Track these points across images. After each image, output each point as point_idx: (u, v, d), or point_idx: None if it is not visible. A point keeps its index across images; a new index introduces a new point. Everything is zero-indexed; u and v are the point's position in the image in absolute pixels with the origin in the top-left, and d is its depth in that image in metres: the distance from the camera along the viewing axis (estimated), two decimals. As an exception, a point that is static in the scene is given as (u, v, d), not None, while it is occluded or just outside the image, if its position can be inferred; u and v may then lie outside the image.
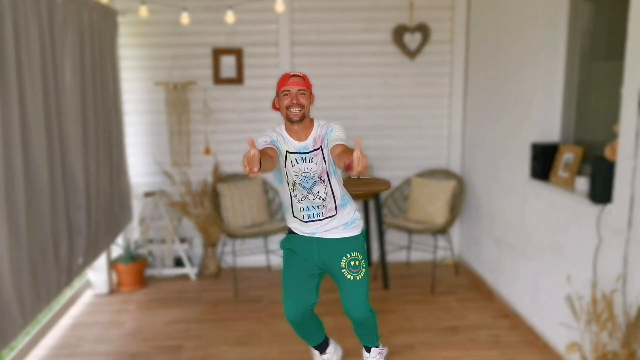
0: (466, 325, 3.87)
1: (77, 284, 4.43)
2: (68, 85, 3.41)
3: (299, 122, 2.47)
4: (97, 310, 4.21)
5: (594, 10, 3.33)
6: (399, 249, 5.14)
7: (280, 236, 4.97)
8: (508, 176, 4.05)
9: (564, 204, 3.26)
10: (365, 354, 3.03)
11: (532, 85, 3.63)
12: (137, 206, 4.91)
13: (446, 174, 4.97)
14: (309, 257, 2.66)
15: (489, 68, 4.41)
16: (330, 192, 2.58)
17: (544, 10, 3.49)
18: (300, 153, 2.49)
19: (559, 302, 3.25)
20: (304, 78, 2.50)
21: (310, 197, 2.54)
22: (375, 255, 5.17)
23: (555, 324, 3.32)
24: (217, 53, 4.81)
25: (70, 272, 3.44)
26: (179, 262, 4.94)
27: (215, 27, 4.75)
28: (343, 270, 2.62)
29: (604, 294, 2.55)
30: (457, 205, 4.66)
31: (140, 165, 4.94)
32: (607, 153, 2.81)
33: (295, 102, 2.44)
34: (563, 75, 3.54)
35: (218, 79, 4.85)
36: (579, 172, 3.29)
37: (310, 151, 2.50)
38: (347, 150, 2.41)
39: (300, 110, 2.45)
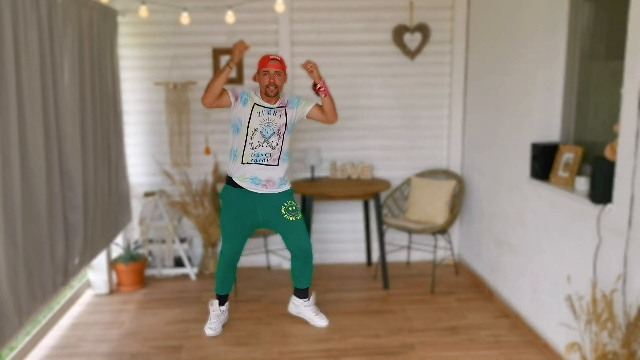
0: (466, 325, 3.87)
1: (77, 284, 4.43)
2: (67, 85, 3.41)
3: (273, 97, 3.20)
4: (97, 310, 4.21)
5: (594, 10, 3.33)
6: (399, 249, 5.14)
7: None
8: (508, 176, 4.05)
9: (564, 204, 3.26)
10: (299, 302, 3.65)
11: (532, 85, 3.63)
12: (137, 206, 4.91)
13: (446, 174, 4.97)
14: (252, 215, 3.32)
15: (489, 68, 4.41)
16: (279, 145, 3.21)
17: (544, 10, 3.49)
18: (266, 107, 3.20)
19: (559, 302, 3.25)
20: (281, 61, 3.21)
21: (265, 144, 3.19)
22: (375, 255, 5.18)
23: (555, 324, 3.32)
24: (217, 53, 4.81)
25: (66, 272, 3.44)
26: (179, 262, 4.94)
27: (215, 27, 4.75)
28: (285, 215, 3.29)
29: (604, 294, 2.55)
30: (457, 205, 4.66)
31: (140, 165, 4.94)
32: (607, 153, 2.81)
33: (272, 81, 3.13)
34: (563, 75, 3.54)
35: (218, 79, 4.85)
36: (579, 172, 3.29)
37: (275, 107, 3.21)
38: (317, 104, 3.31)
39: (275, 89, 3.16)
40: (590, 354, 2.58)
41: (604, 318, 2.48)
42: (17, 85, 2.77)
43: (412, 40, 4.86)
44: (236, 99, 3.25)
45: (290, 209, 3.34)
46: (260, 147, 3.22)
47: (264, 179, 3.27)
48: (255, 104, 3.21)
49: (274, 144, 3.23)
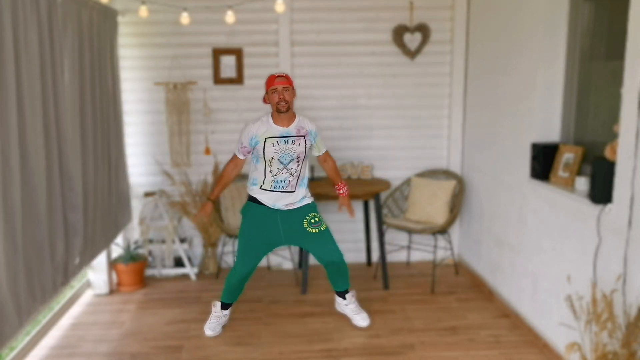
0: (466, 325, 3.87)
1: (77, 284, 4.43)
2: (67, 85, 3.41)
3: (285, 112, 3.22)
4: (97, 310, 4.21)
5: (594, 10, 3.33)
6: (399, 249, 5.14)
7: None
8: (508, 176, 4.05)
9: (564, 204, 3.26)
10: (341, 301, 3.67)
11: (532, 85, 3.63)
12: (137, 206, 4.91)
13: (446, 174, 4.97)
14: (274, 232, 3.35)
15: (489, 68, 4.41)
16: (298, 172, 3.28)
17: (544, 11, 3.49)
18: (283, 137, 3.23)
19: (559, 302, 3.25)
20: (286, 77, 3.26)
21: (284, 171, 3.25)
22: (375, 255, 5.18)
23: (555, 324, 3.32)
24: (217, 53, 4.81)
25: (66, 272, 3.44)
26: (179, 262, 4.94)
27: (215, 27, 4.75)
28: (307, 228, 3.32)
29: (604, 294, 2.55)
30: (457, 205, 4.66)
31: (140, 165, 4.94)
32: (607, 153, 2.81)
33: (282, 97, 3.19)
34: (563, 75, 3.54)
35: (218, 79, 4.85)
36: (579, 172, 3.29)
37: (293, 136, 3.25)
38: (335, 175, 3.62)
39: (286, 104, 3.20)
40: (590, 354, 2.58)
41: (604, 318, 2.48)
42: (17, 86, 2.77)
43: (412, 40, 4.86)
44: (248, 152, 3.37)
45: (312, 221, 3.36)
46: (280, 173, 3.28)
47: (283, 202, 3.35)
48: (266, 138, 3.25)
49: (292, 171, 3.28)
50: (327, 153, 3.57)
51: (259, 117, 3.41)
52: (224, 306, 3.65)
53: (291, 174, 3.29)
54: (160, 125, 4.88)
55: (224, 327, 3.77)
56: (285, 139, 3.25)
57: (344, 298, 3.67)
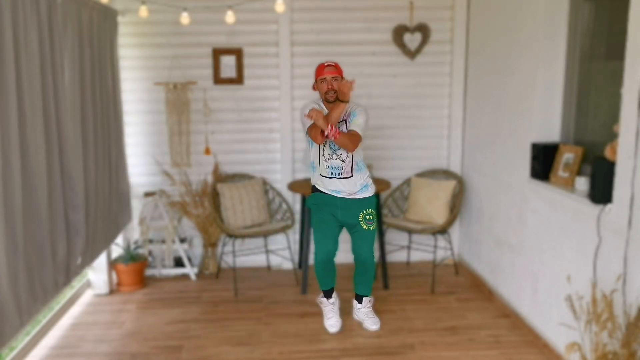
0: (466, 325, 3.87)
1: (77, 284, 4.43)
2: (67, 85, 3.41)
3: (333, 102, 3.22)
4: (97, 310, 4.21)
5: (594, 10, 3.33)
6: (399, 249, 5.14)
7: (281, 237, 4.98)
8: (508, 176, 4.05)
9: (564, 204, 3.26)
10: (357, 305, 3.69)
11: (532, 85, 3.63)
12: (137, 206, 4.91)
13: (446, 174, 4.97)
14: (334, 213, 3.40)
15: (489, 68, 4.41)
16: (349, 158, 3.28)
17: (544, 10, 3.49)
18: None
19: (559, 302, 3.25)
20: (336, 67, 3.26)
21: (334, 157, 3.28)
22: (375, 255, 5.16)
23: (555, 324, 3.32)
24: (217, 53, 4.81)
25: (68, 272, 3.44)
26: (179, 262, 4.94)
27: (215, 27, 4.75)
28: (361, 222, 3.38)
29: (604, 294, 2.55)
30: (457, 205, 4.66)
31: (140, 165, 4.94)
32: (607, 153, 2.81)
33: (330, 87, 3.21)
34: (563, 75, 3.54)
35: (218, 79, 4.85)
36: (579, 172, 3.29)
37: (340, 121, 3.25)
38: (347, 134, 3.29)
39: (335, 93, 3.21)
40: (590, 354, 2.58)
41: (604, 318, 2.48)
42: (18, 86, 2.77)
43: (412, 40, 4.86)
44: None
45: (367, 217, 3.41)
46: (332, 159, 3.31)
47: (343, 189, 3.36)
48: None
49: (343, 157, 3.30)
50: (356, 133, 3.28)
51: (308, 102, 3.42)
52: (327, 294, 3.67)
53: (342, 160, 3.31)
54: (160, 125, 4.88)
55: (340, 315, 3.75)
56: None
57: (360, 302, 3.68)
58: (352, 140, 3.20)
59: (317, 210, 3.48)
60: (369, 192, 3.43)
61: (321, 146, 3.30)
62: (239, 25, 4.67)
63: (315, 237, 3.50)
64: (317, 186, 3.44)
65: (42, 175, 3.04)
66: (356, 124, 3.29)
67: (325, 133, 3.17)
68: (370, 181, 3.46)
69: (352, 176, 3.35)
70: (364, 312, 3.73)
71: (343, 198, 3.38)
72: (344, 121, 3.31)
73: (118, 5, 4.54)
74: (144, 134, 4.92)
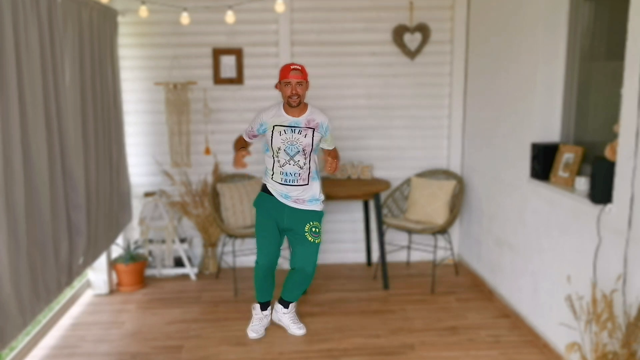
0: (466, 325, 3.87)
1: (77, 284, 4.43)
2: (68, 85, 3.41)
3: (296, 106, 3.18)
4: (97, 310, 4.21)
5: (594, 10, 3.33)
6: (399, 249, 5.14)
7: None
8: (508, 176, 4.05)
9: (564, 204, 3.26)
10: (282, 309, 3.63)
11: (532, 85, 3.63)
12: (137, 206, 4.91)
13: (446, 174, 4.97)
14: (279, 220, 3.33)
15: (489, 68, 4.41)
16: (307, 165, 3.23)
17: (544, 10, 3.49)
18: (289, 127, 3.18)
19: (559, 302, 3.25)
20: (302, 71, 3.17)
21: (291, 162, 3.20)
22: (375, 255, 5.18)
23: (555, 324, 3.32)
24: (217, 53, 4.81)
25: (70, 272, 3.44)
26: (179, 262, 4.94)
27: (215, 27, 4.76)
28: (306, 234, 3.31)
29: (604, 294, 2.55)
30: (457, 205, 4.66)
31: (140, 165, 4.94)
32: (607, 153, 2.81)
33: (294, 92, 3.12)
34: (563, 75, 3.54)
35: (218, 79, 4.85)
36: (579, 172, 3.29)
37: (301, 127, 3.19)
38: (327, 152, 3.34)
39: (297, 99, 3.15)
40: (590, 354, 2.58)
41: (604, 318, 2.48)
42: (19, 86, 2.77)
43: (412, 40, 4.86)
44: (254, 136, 3.36)
45: (313, 229, 3.34)
46: (287, 165, 3.23)
47: (293, 196, 3.30)
48: (275, 125, 3.21)
49: (300, 163, 3.23)
50: (335, 150, 3.45)
51: (272, 104, 3.37)
52: (262, 306, 3.61)
53: (300, 167, 3.24)
54: (160, 125, 4.88)
55: (266, 329, 3.69)
56: (293, 128, 3.20)
57: (287, 307, 3.60)
58: (337, 154, 3.40)
59: (262, 214, 3.39)
60: (319, 206, 3.36)
61: (275, 151, 3.22)
62: (239, 25, 4.67)
63: (257, 243, 3.40)
64: (267, 186, 3.36)
65: (44, 175, 3.04)
66: (331, 141, 3.37)
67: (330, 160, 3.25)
68: (322, 196, 3.39)
69: (307, 184, 3.29)
70: (289, 317, 3.64)
71: (290, 207, 3.30)
72: (312, 130, 3.24)
73: (118, 5, 4.54)
74: (144, 134, 4.92)
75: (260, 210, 3.41)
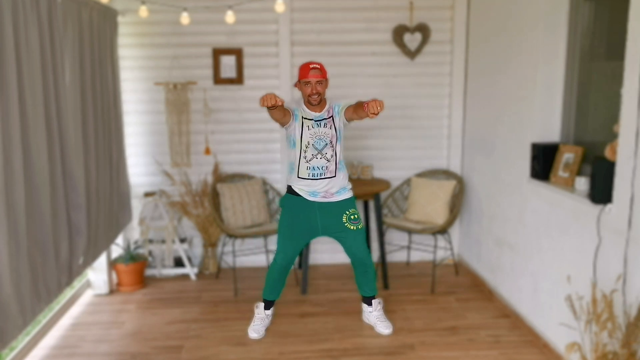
0: (466, 325, 3.87)
1: (77, 284, 4.43)
2: (68, 85, 3.41)
3: (317, 105, 3.14)
4: (97, 310, 4.21)
5: (594, 10, 3.33)
6: (399, 249, 5.14)
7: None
8: (508, 176, 4.05)
9: (564, 204, 3.26)
10: (367, 308, 3.48)
11: (532, 85, 3.63)
12: (137, 206, 4.91)
13: (446, 174, 4.97)
14: (312, 222, 3.23)
15: (489, 68, 4.41)
16: (334, 156, 3.18)
17: (544, 10, 3.49)
18: (315, 120, 3.13)
19: (559, 302, 3.25)
20: (321, 70, 3.15)
21: (319, 156, 3.15)
22: (375, 255, 5.17)
23: (555, 324, 3.32)
24: (217, 53, 4.81)
25: (70, 272, 3.44)
26: (179, 262, 4.94)
27: (215, 27, 4.76)
28: (346, 224, 3.22)
29: (604, 294, 2.55)
30: (457, 205, 4.66)
31: (140, 165, 4.94)
32: (607, 153, 2.81)
33: (315, 91, 3.09)
34: (563, 75, 3.54)
35: (218, 79, 4.85)
36: (579, 172, 3.29)
37: (324, 119, 3.15)
38: (359, 103, 3.01)
39: (318, 97, 3.11)
40: (590, 354, 2.58)
41: (604, 318, 2.48)
42: (19, 86, 2.77)
43: (412, 40, 4.86)
44: (291, 114, 3.21)
45: (352, 217, 3.26)
46: (315, 159, 3.17)
47: (322, 191, 3.22)
48: (303, 117, 3.16)
49: (328, 156, 3.18)
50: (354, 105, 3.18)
51: (295, 100, 3.32)
52: (267, 305, 3.52)
53: (327, 160, 3.19)
54: (160, 125, 4.88)
55: (267, 329, 3.54)
56: (319, 122, 3.17)
57: (370, 304, 3.50)
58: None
59: (290, 214, 3.32)
60: (348, 194, 3.30)
61: (303, 147, 3.16)
62: (239, 25, 4.67)
63: (279, 241, 3.34)
64: (292, 187, 3.29)
65: (44, 175, 3.04)
66: (347, 103, 3.19)
67: (373, 113, 2.88)
68: (349, 184, 3.33)
69: (335, 176, 3.23)
70: (375, 315, 3.54)
71: (320, 202, 3.23)
72: (331, 118, 3.19)
73: (118, 5, 4.54)
74: (144, 134, 4.92)
75: (285, 210, 3.36)
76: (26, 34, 2.84)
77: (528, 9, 3.68)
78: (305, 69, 3.13)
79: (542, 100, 3.58)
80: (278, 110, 2.97)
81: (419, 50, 4.89)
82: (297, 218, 3.28)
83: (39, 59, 2.98)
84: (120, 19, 4.60)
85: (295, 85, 3.22)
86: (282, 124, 3.17)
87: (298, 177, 3.22)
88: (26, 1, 2.83)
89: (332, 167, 3.20)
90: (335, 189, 3.25)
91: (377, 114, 2.78)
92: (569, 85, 3.52)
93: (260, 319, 3.52)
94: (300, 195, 3.25)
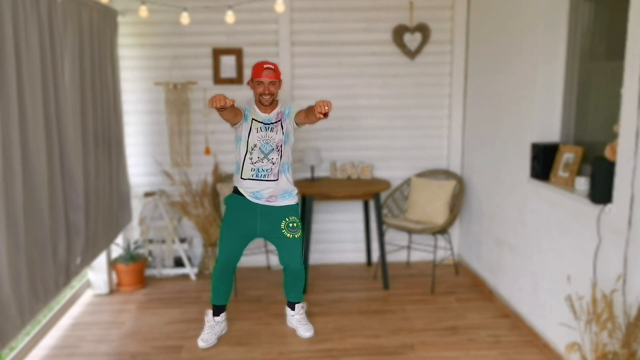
0: (466, 325, 3.87)
1: (77, 284, 4.43)
2: (67, 85, 3.41)
3: (268, 105, 3.10)
4: (97, 310, 4.21)
5: (594, 10, 3.33)
6: (399, 249, 5.14)
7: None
8: (508, 176, 4.05)
9: (564, 204, 3.26)
10: (290, 312, 3.47)
11: (532, 85, 3.63)
12: (137, 206, 4.91)
13: (446, 174, 4.97)
14: (251, 224, 3.21)
15: (489, 68, 4.41)
16: (279, 160, 3.14)
17: (544, 10, 3.49)
18: (264, 123, 3.09)
19: (559, 302, 3.25)
20: (275, 70, 3.09)
21: (265, 160, 3.12)
22: (375, 255, 5.18)
23: (555, 324, 3.32)
24: (217, 53, 4.81)
25: (68, 272, 3.44)
26: (179, 262, 4.94)
27: (215, 27, 4.76)
28: (283, 231, 3.19)
29: (604, 294, 2.55)
30: (457, 205, 4.66)
31: (140, 165, 4.94)
32: (607, 153, 2.81)
33: (267, 92, 3.04)
34: (563, 75, 3.54)
35: (218, 79, 4.85)
36: (579, 172, 3.29)
37: (272, 123, 3.10)
38: (309, 107, 2.98)
39: (270, 97, 3.05)
40: (590, 354, 2.58)
41: (604, 318, 2.48)
42: (18, 85, 2.77)
43: (412, 40, 4.86)
44: (240, 113, 3.14)
45: (290, 225, 3.21)
46: (260, 162, 3.13)
47: (265, 194, 3.18)
48: (253, 119, 3.11)
49: (274, 160, 3.14)
50: (308, 107, 3.13)
51: (247, 100, 3.26)
52: (215, 311, 3.45)
53: (273, 163, 3.15)
54: (160, 125, 4.88)
55: (220, 338, 3.48)
56: (267, 126, 3.12)
57: (293, 309, 3.48)
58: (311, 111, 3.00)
59: (231, 213, 3.27)
60: (292, 200, 3.24)
61: (249, 148, 3.11)
62: (239, 25, 4.67)
63: (220, 240, 3.28)
64: (238, 188, 3.23)
65: (43, 175, 3.04)
66: (299, 107, 3.14)
67: (322, 113, 2.82)
68: (294, 189, 3.27)
69: (277, 179, 3.17)
70: (297, 319, 3.48)
71: (263, 205, 3.19)
72: (279, 122, 3.13)
73: (118, 5, 4.54)
74: (144, 134, 4.92)
75: (228, 210, 3.31)
76: (26, 34, 2.84)
77: (528, 9, 3.68)
78: (259, 68, 3.06)
79: (542, 100, 3.58)
80: (228, 111, 2.88)
81: (419, 50, 4.89)
82: (238, 218, 3.23)
83: (39, 59, 2.98)
84: (120, 19, 4.60)
85: (248, 83, 3.16)
86: (233, 124, 3.12)
87: (241, 177, 3.17)
88: (26, 1, 2.83)
89: (276, 171, 3.16)
90: (279, 192, 3.19)
91: (326, 115, 2.70)
92: (569, 85, 3.52)
93: (209, 327, 3.41)
94: (244, 196, 3.20)
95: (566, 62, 3.51)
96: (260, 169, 3.14)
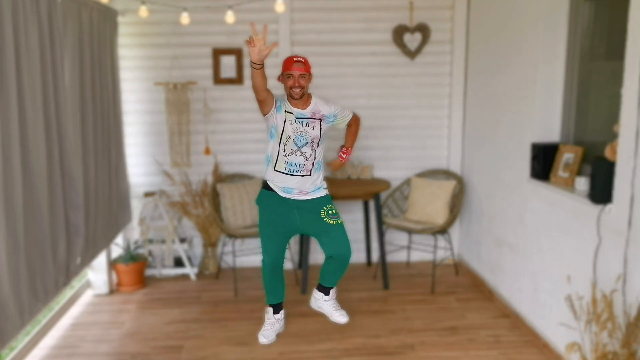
0: (466, 325, 3.87)
1: (77, 284, 4.43)
2: (67, 85, 3.41)
3: (299, 99, 3.07)
4: (97, 310, 4.21)
5: (594, 10, 3.33)
6: (399, 249, 5.14)
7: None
8: (508, 176, 4.05)
9: (564, 204, 3.26)
10: (323, 296, 3.45)
11: (532, 85, 3.63)
12: (137, 206, 4.91)
13: (446, 174, 4.97)
14: (291, 221, 3.20)
15: (489, 68, 4.41)
16: (313, 156, 3.13)
17: (544, 10, 3.49)
18: (297, 117, 3.06)
19: (559, 302, 3.25)
20: (305, 63, 3.08)
21: (298, 154, 3.11)
22: (375, 255, 5.17)
23: (555, 324, 3.32)
24: (217, 53, 4.81)
25: (68, 272, 3.44)
26: (179, 262, 4.94)
27: (215, 27, 4.75)
28: (325, 219, 3.16)
29: (604, 294, 2.55)
30: (457, 205, 4.66)
31: (140, 165, 4.94)
32: (607, 153, 2.81)
33: (297, 84, 3.00)
34: (563, 75, 3.54)
35: (218, 79, 4.85)
36: (579, 172, 3.29)
37: (308, 118, 3.08)
38: (352, 133, 3.27)
39: (300, 90, 3.02)
40: (590, 354, 2.58)
41: (604, 318, 2.48)
42: (18, 85, 2.77)
43: (412, 40, 4.86)
44: (274, 106, 3.17)
45: (330, 212, 3.19)
46: (293, 155, 3.13)
47: (296, 188, 3.18)
48: (286, 111, 3.10)
49: (307, 155, 3.14)
50: (354, 117, 3.28)
51: (280, 95, 3.24)
52: (275, 309, 3.47)
53: (306, 158, 3.15)
54: (160, 125, 4.88)
55: (278, 335, 3.49)
56: (301, 120, 3.11)
57: (327, 293, 3.46)
58: (358, 129, 3.24)
59: (266, 211, 3.28)
60: (324, 192, 3.25)
61: (284, 140, 3.11)
62: (239, 25, 4.66)
63: (262, 242, 3.30)
64: (268, 182, 3.23)
65: (43, 175, 3.04)
66: (344, 118, 3.20)
67: (343, 156, 3.23)
68: (324, 183, 3.28)
69: (310, 175, 3.17)
70: (331, 304, 3.48)
71: (296, 200, 3.18)
72: (319, 121, 3.15)
73: (118, 5, 4.54)
74: (144, 134, 4.92)
75: (263, 208, 3.30)
76: (26, 34, 2.84)
77: (528, 9, 3.68)
78: (289, 62, 3.07)
79: (542, 100, 3.58)
80: (262, 73, 2.88)
81: (419, 50, 4.89)
82: (276, 217, 3.23)
83: (39, 59, 2.98)
84: (120, 19, 4.60)
85: (278, 78, 3.15)
86: (263, 106, 3.11)
87: (274, 169, 3.17)
88: (26, 1, 2.83)
89: (309, 167, 3.16)
90: (310, 187, 3.19)
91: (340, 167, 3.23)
92: (569, 85, 3.52)
93: (270, 324, 3.46)
94: (274, 192, 3.19)
95: (566, 62, 3.51)
96: (293, 163, 3.14)
